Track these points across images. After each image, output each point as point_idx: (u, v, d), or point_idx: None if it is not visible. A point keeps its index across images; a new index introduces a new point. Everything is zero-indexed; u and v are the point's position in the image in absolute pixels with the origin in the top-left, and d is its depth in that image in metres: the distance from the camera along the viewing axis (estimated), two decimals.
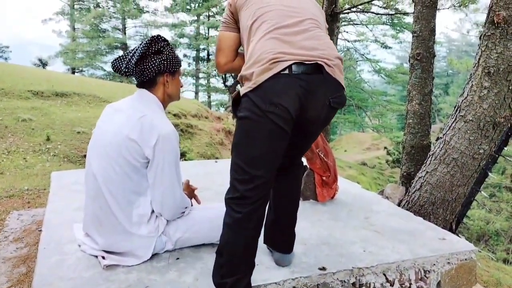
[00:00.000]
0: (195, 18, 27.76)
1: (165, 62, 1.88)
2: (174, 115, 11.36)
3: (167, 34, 26.79)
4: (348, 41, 22.33)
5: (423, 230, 2.51)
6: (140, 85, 1.95)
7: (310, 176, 2.90)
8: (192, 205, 2.15)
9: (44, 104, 9.63)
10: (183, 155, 8.81)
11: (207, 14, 27.25)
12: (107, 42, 26.91)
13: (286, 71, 1.54)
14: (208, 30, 27.89)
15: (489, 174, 3.65)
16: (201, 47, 27.90)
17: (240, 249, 1.63)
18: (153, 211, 1.96)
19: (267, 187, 1.63)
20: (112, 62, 1.95)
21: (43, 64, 24.77)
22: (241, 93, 1.59)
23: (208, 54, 27.57)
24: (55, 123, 8.27)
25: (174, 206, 1.94)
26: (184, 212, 2.03)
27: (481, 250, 5.95)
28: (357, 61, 24.17)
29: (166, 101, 1.99)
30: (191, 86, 29.37)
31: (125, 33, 28.26)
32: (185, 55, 28.34)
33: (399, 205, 3.23)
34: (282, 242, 2.01)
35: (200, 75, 28.46)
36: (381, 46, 22.21)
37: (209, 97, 29.81)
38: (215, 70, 23.94)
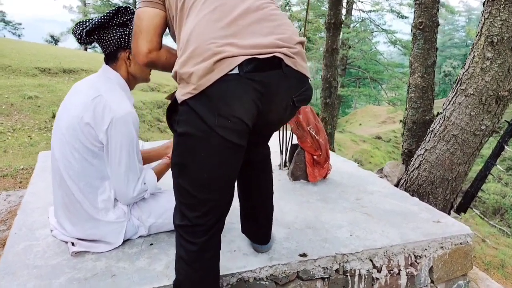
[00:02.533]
0: None
1: (126, 38, 1.74)
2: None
3: None
4: (363, 12, 21.71)
5: (417, 212, 2.38)
6: (105, 60, 1.81)
7: (300, 155, 2.77)
8: (161, 189, 2.04)
9: (51, 81, 9.61)
10: None
11: None
12: None
13: (236, 71, 1.19)
14: None
15: (506, 147, 3.47)
16: None
17: (202, 283, 1.40)
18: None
19: (222, 209, 1.37)
20: (72, 27, 1.81)
21: (55, 40, 24.80)
22: (179, 100, 1.25)
23: None
24: (62, 100, 8.24)
25: (127, 194, 1.80)
26: (144, 195, 1.89)
27: (496, 225, 5.79)
28: (372, 32, 23.49)
29: (131, 80, 1.84)
30: None
31: (135, 7, 27.90)
32: None
33: (397, 184, 3.09)
34: (258, 234, 1.88)
35: None
36: (397, 16, 21.51)
37: None
38: None
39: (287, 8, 20.37)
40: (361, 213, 2.35)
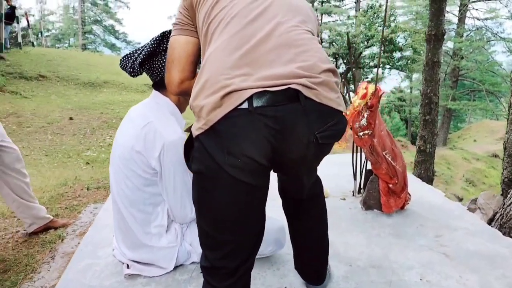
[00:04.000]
0: None
1: None
2: None
3: None
4: (478, 19, 20.00)
5: (508, 257, 2.03)
6: (153, 86, 1.83)
7: (374, 183, 2.55)
8: None
9: None
10: None
11: None
12: None
13: (245, 105, 1.07)
14: (322, 16, 27.27)
15: None
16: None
17: None
18: (172, 220, 1.87)
19: (245, 251, 1.25)
20: (120, 60, 1.86)
21: None
22: (193, 134, 1.16)
23: (321, 41, 26.86)
24: None
25: (185, 216, 1.81)
26: None
27: None
28: (488, 41, 21.53)
29: (182, 103, 1.82)
30: None
31: None
32: None
33: (492, 219, 2.69)
34: (310, 274, 1.75)
35: None
36: None
37: None
38: (330, 57, 23.29)
39: (391, 18, 19.50)
40: (438, 253, 2.07)
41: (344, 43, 20.77)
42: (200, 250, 1.88)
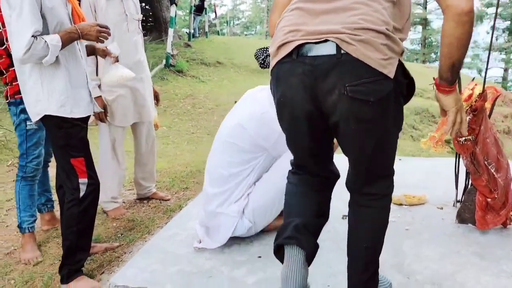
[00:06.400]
0: None
1: None
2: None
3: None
4: None
5: None
6: None
7: (471, 195, 2.30)
8: None
9: None
10: None
11: None
12: None
13: (293, 55, 1.32)
14: None
15: None
16: None
17: None
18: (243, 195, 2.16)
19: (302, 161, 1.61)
20: (255, 52, 2.15)
21: None
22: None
23: None
24: None
25: None
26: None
27: None
28: None
29: None
30: (498, 62, 25.69)
31: (425, 8, 27.06)
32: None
33: None
34: (351, 279, 1.56)
35: None
36: None
37: None
38: None
39: None
40: None
41: None
42: (251, 213, 2.16)
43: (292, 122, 1.45)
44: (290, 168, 1.68)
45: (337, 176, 1.66)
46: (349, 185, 1.55)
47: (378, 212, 1.52)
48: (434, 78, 1.48)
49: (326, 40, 1.27)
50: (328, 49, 1.27)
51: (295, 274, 1.47)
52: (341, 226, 2.24)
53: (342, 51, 1.25)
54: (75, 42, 1.94)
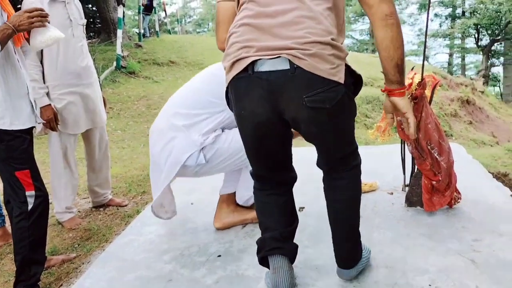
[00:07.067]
0: None
1: None
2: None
3: None
4: None
5: None
6: None
7: (417, 179, 2.40)
8: None
9: None
10: None
11: None
12: (354, 10, 27.07)
13: (249, 71, 1.42)
14: None
15: None
16: (458, 2, 24.76)
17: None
18: (215, 131, 2.14)
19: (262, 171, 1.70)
20: None
21: None
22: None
23: (463, 12, 24.23)
24: None
25: None
26: None
27: None
28: None
29: None
30: (443, 48, 26.84)
31: None
32: (436, 15, 25.54)
33: None
34: (337, 256, 1.74)
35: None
36: None
37: (463, 59, 26.58)
38: (470, 28, 21.03)
39: None
40: (465, 259, 1.92)
41: (488, 12, 18.46)
42: (207, 170, 2.21)
43: (253, 133, 1.54)
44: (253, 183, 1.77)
45: (295, 178, 1.79)
46: (320, 165, 1.70)
47: (351, 181, 1.68)
48: (381, 89, 1.62)
49: (279, 56, 1.38)
50: (282, 65, 1.39)
51: (283, 279, 1.66)
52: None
53: (295, 66, 1.37)
54: (13, 52, 1.87)
